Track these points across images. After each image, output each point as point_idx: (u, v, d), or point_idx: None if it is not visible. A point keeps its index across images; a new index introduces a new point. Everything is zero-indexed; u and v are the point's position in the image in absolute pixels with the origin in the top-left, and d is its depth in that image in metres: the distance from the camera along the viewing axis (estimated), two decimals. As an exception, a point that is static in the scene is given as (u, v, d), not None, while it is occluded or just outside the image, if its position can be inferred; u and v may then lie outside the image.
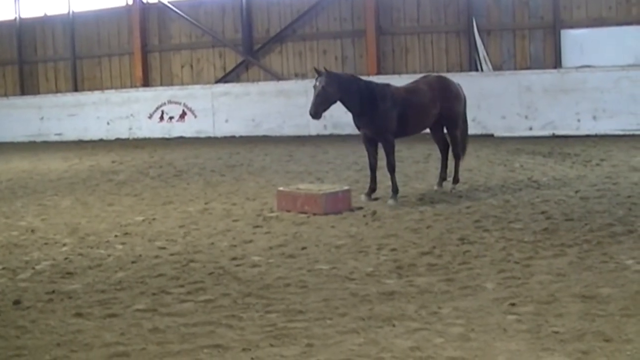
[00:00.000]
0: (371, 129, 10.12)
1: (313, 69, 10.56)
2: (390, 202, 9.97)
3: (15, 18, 25.77)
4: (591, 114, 17.37)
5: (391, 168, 10.18)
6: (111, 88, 24.02)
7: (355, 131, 10.68)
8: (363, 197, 10.26)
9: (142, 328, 5.43)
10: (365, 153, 10.51)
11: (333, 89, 9.77)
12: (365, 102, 9.96)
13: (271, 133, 20.53)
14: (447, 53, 20.30)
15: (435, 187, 10.85)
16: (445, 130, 10.90)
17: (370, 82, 10.38)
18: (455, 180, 10.80)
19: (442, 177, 10.91)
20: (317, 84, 9.82)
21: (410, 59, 20.67)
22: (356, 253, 7.48)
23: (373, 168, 10.33)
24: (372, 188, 10.38)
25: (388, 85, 10.41)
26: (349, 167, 13.83)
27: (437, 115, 10.55)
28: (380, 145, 10.29)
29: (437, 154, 11.35)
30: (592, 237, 7.61)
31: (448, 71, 19.87)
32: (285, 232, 8.61)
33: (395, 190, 10.14)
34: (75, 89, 24.79)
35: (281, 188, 10.23)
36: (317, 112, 9.77)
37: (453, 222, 8.71)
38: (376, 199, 10.28)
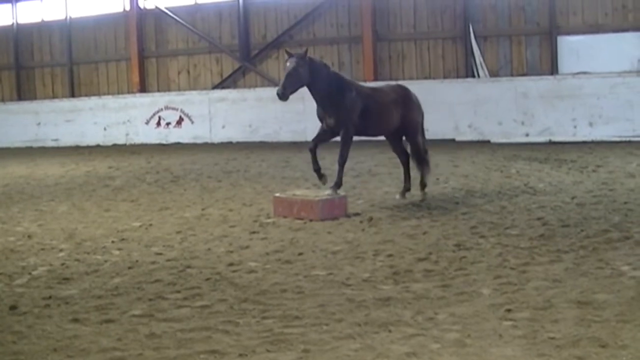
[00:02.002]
0: (335, 118, 10.07)
1: (284, 51, 10.52)
2: (329, 191, 9.94)
3: (13, 23, 25.81)
4: (587, 120, 17.42)
5: (342, 160, 10.17)
6: (108, 94, 24.06)
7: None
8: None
9: (139, 333, 5.42)
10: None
11: (304, 71, 9.81)
12: (333, 89, 10.03)
13: (268, 139, 20.56)
14: (444, 59, 20.35)
15: (397, 197, 10.73)
16: (404, 138, 10.86)
17: (338, 73, 10.57)
18: (423, 185, 10.69)
19: (406, 188, 10.79)
20: (288, 64, 9.83)
21: (407, 65, 20.72)
22: (352, 259, 7.49)
23: (313, 149, 10.15)
24: (319, 172, 10.24)
25: (353, 81, 10.74)
26: (346, 173, 13.62)
27: (399, 121, 10.52)
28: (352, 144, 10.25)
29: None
30: (588, 243, 7.62)
31: (445, 77, 19.98)
32: (281, 238, 8.62)
33: (338, 184, 10.06)
34: (72, 94, 24.82)
35: (278, 194, 10.24)
36: (284, 93, 9.68)
37: (449, 228, 8.72)
38: (371, 205, 10.29)
